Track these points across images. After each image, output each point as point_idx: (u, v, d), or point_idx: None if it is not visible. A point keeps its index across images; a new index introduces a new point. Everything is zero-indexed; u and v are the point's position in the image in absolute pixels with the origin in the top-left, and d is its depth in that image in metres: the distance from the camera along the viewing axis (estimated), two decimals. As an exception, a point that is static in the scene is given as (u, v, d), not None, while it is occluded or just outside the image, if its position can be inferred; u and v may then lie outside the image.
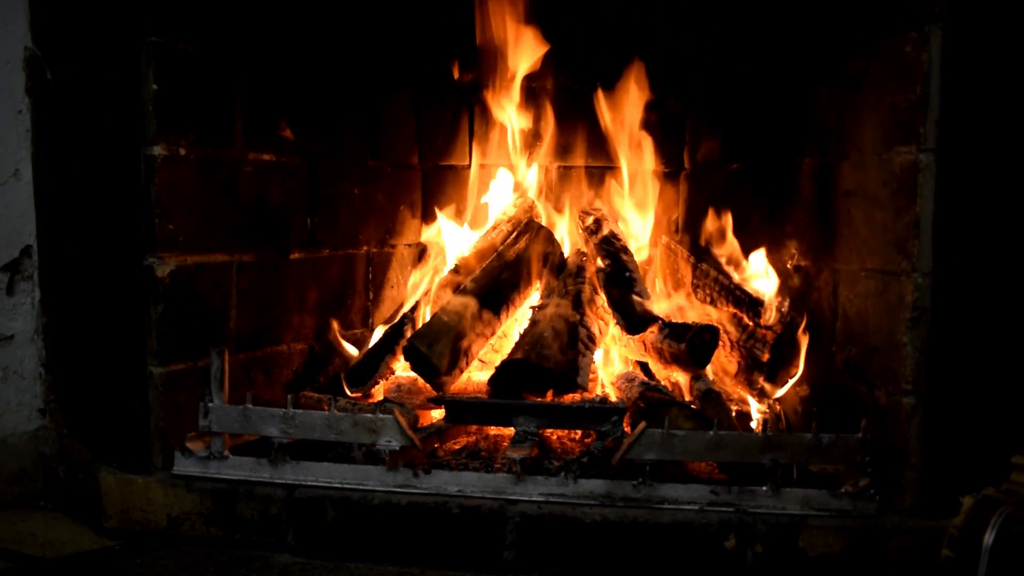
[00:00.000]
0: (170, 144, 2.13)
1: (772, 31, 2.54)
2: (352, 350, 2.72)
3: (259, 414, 2.09)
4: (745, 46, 2.69)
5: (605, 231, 2.79)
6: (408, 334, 2.56)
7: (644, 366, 2.65)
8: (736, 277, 2.62)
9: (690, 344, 2.40)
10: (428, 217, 3.10)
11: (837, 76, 2.21)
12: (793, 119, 2.44)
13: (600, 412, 2.17)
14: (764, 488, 1.97)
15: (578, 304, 2.53)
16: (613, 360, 2.73)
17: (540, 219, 2.93)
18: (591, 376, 2.46)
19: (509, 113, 2.99)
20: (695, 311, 2.71)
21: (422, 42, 2.95)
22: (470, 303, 2.53)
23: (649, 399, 2.28)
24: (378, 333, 2.72)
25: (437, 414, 2.43)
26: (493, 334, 2.63)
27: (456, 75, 3.00)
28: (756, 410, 2.43)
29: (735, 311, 2.54)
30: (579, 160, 3.07)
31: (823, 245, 2.30)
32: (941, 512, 1.85)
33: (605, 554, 1.95)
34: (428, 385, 2.46)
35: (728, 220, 2.72)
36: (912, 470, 1.96)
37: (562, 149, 3.05)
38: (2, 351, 2.35)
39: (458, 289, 2.65)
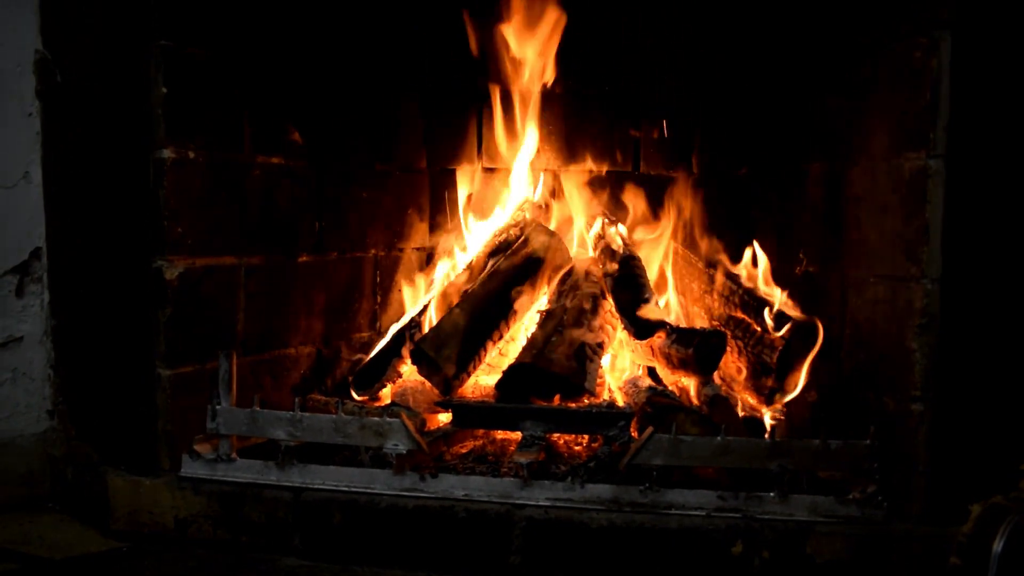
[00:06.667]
0: (179, 147, 2.13)
1: (781, 36, 2.54)
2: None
3: (267, 417, 2.09)
4: (753, 50, 2.68)
5: (613, 236, 2.79)
6: (415, 338, 2.56)
7: (652, 371, 2.65)
8: (744, 282, 2.61)
9: (697, 349, 2.39)
10: (436, 221, 3.10)
11: (846, 82, 2.21)
12: (801, 124, 2.44)
13: (607, 417, 2.17)
14: (771, 494, 1.97)
15: (585, 309, 2.52)
16: (620, 365, 2.72)
17: (548, 223, 2.93)
18: (598, 381, 2.45)
19: (517, 117, 2.99)
20: (703, 316, 2.70)
21: (431, 46, 2.96)
22: (477, 307, 2.53)
23: (656, 404, 2.28)
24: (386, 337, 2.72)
25: (444, 418, 2.43)
26: (500, 338, 2.63)
27: (465, 81, 3.01)
28: (769, 416, 2.42)
29: (743, 316, 2.54)
30: (587, 164, 3.07)
31: (832, 251, 2.29)
32: (949, 520, 1.83)
33: (611, 559, 1.95)
34: (435, 389, 2.46)
35: (736, 225, 2.72)
36: (920, 477, 1.95)
37: (570, 153, 3.05)
38: (11, 353, 2.36)
39: (465, 293, 2.65)
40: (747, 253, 2.65)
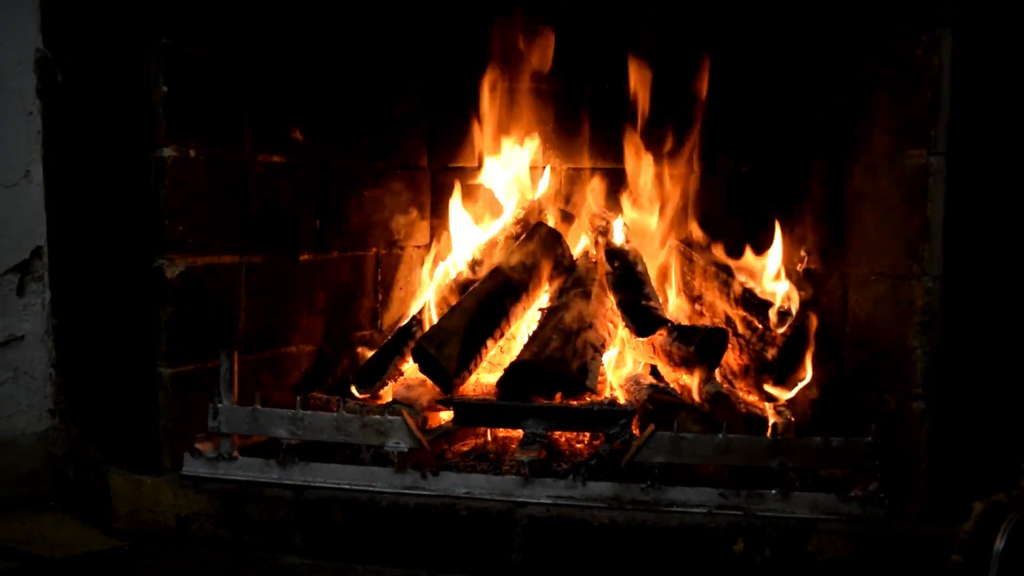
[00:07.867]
0: (180, 146, 2.13)
1: (783, 34, 2.54)
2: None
3: (268, 415, 2.10)
4: (755, 48, 2.68)
5: (614, 233, 2.79)
6: (417, 336, 2.56)
7: (653, 369, 2.64)
8: (746, 280, 2.61)
9: (699, 347, 2.39)
10: (437, 219, 3.10)
11: (847, 80, 2.21)
12: (803, 122, 2.44)
13: (609, 415, 2.17)
14: (773, 492, 1.97)
15: (587, 306, 2.52)
16: (622, 362, 2.72)
17: (548, 221, 2.92)
18: (600, 378, 2.45)
19: (518, 115, 2.99)
20: (705, 314, 2.70)
21: (431, 46, 2.95)
22: (479, 305, 2.53)
23: (658, 402, 2.28)
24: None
25: (445, 416, 2.43)
26: (502, 336, 2.62)
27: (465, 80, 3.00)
28: (770, 413, 2.41)
29: (745, 314, 2.54)
30: (588, 162, 3.06)
31: (833, 248, 2.29)
32: (951, 518, 1.84)
33: (613, 557, 1.95)
34: (436, 387, 2.46)
35: (737, 223, 2.71)
36: (921, 475, 1.95)
37: (571, 151, 3.05)
38: (13, 352, 2.36)
39: (467, 291, 2.65)
40: (749, 250, 2.65)
